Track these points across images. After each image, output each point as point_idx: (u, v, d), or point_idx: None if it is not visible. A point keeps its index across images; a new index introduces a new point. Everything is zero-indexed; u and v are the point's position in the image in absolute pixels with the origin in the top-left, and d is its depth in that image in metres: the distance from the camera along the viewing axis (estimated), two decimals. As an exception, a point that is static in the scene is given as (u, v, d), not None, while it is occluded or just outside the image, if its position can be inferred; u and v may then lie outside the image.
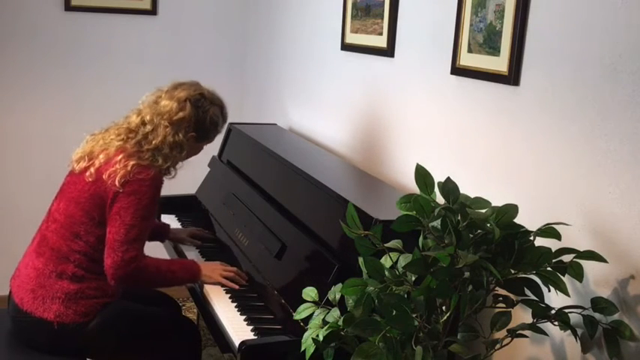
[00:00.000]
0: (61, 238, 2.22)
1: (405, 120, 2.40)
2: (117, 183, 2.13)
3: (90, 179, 2.20)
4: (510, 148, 1.89)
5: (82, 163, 2.24)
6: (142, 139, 2.24)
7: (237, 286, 2.32)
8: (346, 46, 2.78)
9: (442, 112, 2.20)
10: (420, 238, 1.61)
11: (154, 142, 2.23)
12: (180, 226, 2.90)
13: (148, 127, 2.25)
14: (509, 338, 1.61)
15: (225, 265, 2.39)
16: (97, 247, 2.21)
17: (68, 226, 2.22)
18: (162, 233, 2.69)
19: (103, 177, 2.16)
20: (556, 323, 1.58)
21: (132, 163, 2.16)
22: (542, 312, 1.58)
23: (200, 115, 2.31)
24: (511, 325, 1.64)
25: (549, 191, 1.75)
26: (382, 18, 2.49)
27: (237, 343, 1.93)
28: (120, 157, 2.18)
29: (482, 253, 1.52)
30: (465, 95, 2.08)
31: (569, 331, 1.58)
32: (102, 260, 2.20)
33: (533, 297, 1.59)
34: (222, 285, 2.32)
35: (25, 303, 2.21)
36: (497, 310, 1.67)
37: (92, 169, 2.20)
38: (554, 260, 1.53)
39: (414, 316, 1.52)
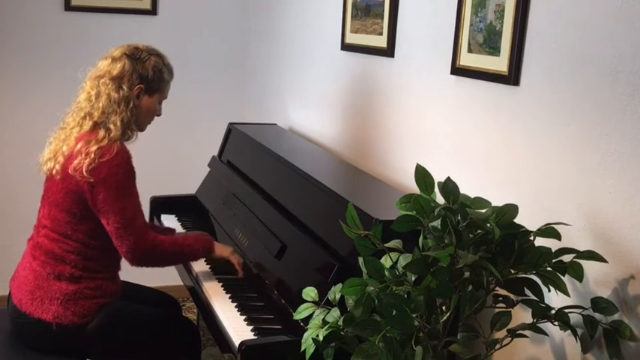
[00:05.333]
0: (53, 241, 2.22)
1: (405, 120, 2.40)
2: (85, 173, 2.11)
3: (58, 177, 2.19)
4: (510, 148, 1.89)
5: (50, 164, 2.22)
6: (91, 110, 2.20)
7: (241, 273, 2.38)
8: (346, 46, 2.78)
9: (442, 112, 2.20)
10: (420, 238, 1.61)
11: (101, 106, 2.19)
12: (180, 226, 2.90)
13: (93, 93, 2.22)
14: (509, 338, 1.61)
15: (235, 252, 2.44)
16: (89, 244, 2.21)
17: (55, 228, 2.22)
18: None
19: (69, 172, 2.14)
20: (556, 323, 1.58)
21: (93, 148, 2.13)
22: (542, 312, 1.58)
23: (140, 65, 2.25)
24: (511, 325, 1.64)
25: (549, 191, 1.75)
26: (382, 18, 2.49)
27: (237, 343, 1.93)
28: (79, 145, 2.15)
29: (482, 253, 1.52)
30: (465, 95, 2.08)
31: (569, 331, 1.58)
32: (97, 257, 2.22)
33: (533, 297, 1.59)
34: (231, 262, 2.39)
35: (23, 304, 2.22)
36: (497, 310, 1.67)
37: (58, 167, 2.18)
38: (554, 260, 1.53)
39: (414, 316, 1.52)
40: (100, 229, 2.19)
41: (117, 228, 2.16)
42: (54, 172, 2.19)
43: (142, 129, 2.35)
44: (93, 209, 2.17)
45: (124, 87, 2.22)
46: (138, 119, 2.28)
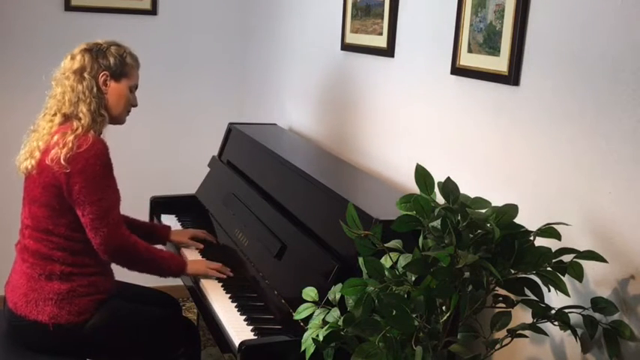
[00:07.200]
0: (37, 240, 2.23)
1: (405, 120, 2.40)
2: (63, 162, 2.11)
3: (35, 172, 2.20)
4: (510, 148, 1.89)
5: (26, 163, 2.24)
6: (60, 106, 2.23)
7: (224, 276, 2.37)
8: (346, 46, 2.78)
9: (442, 112, 2.20)
10: (420, 238, 1.61)
11: (67, 99, 2.22)
12: (180, 227, 2.90)
13: (58, 92, 2.25)
14: (509, 338, 1.61)
15: (209, 262, 2.44)
16: (73, 237, 2.21)
17: (37, 226, 2.23)
18: (163, 235, 2.69)
19: (47, 163, 2.15)
20: (556, 323, 1.58)
21: (69, 138, 2.14)
22: (542, 312, 1.58)
23: (100, 55, 2.27)
24: (511, 325, 1.64)
25: (549, 191, 1.75)
26: (382, 18, 2.49)
27: (237, 343, 1.93)
28: (56, 137, 2.17)
29: (482, 253, 1.52)
30: (465, 95, 2.08)
31: (569, 331, 1.58)
32: (84, 251, 2.22)
33: (533, 297, 1.59)
34: (210, 276, 2.37)
35: (18, 307, 2.22)
36: (497, 310, 1.67)
37: (33, 162, 2.20)
38: (554, 260, 1.53)
39: (414, 316, 1.52)
40: (80, 221, 2.19)
41: (92, 219, 2.15)
42: (30, 168, 2.21)
43: (120, 121, 2.35)
44: (68, 200, 2.17)
45: (86, 76, 2.24)
46: (109, 108, 2.28)
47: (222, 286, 2.34)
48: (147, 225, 2.69)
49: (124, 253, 2.23)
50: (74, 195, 2.14)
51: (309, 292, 1.74)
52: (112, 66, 2.27)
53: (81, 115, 2.20)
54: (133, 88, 2.35)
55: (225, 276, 2.37)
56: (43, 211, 2.21)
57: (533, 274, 1.55)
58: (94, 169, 2.14)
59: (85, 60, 2.25)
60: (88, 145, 2.14)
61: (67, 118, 2.22)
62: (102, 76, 2.26)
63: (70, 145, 2.13)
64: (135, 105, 2.37)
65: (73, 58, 2.28)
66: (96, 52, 2.27)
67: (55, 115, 2.24)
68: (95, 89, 2.24)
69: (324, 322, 1.62)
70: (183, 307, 3.67)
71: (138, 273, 2.34)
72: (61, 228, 2.21)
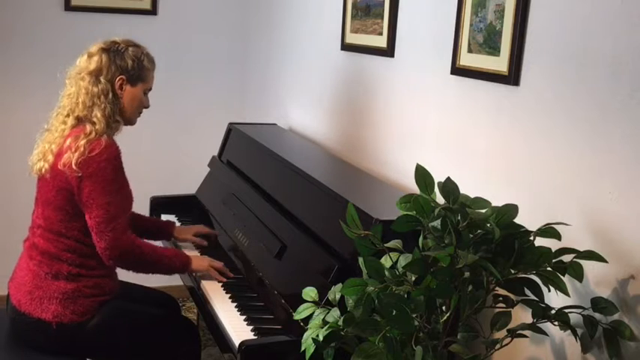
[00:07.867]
0: (48, 240, 2.22)
1: (405, 120, 2.40)
2: (74, 167, 2.11)
3: (48, 176, 2.19)
4: (510, 148, 1.89)
5: (40, 164, 2.22)
6: (74, 107, 2.21)
7: (224, 279, 2.37)
8: (346, 46, 2.78)
9: (442, 112, 2.20)
10: (420, 238, 1.61)
11: (81, 102, 2.20)
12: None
13: (73, 91, 2.23)
14: (509, 338, 1.61)
15: (212, 260, 2.43)
16: (84, 241, 2.21)
17: (49, 227, 2.22)
18: (167, 232, 2.68)
19: (59, 167, 2.14)
20: (556, 323, 1.58)
21: (82, 142, 2.13)
22: (542, 312, 1.58)
23: (118, 57, 2.24)
24: (511, 325, 1.64)
25: (549, 191, 1.75)
26: (382, 18, 2.49)
27: (237, 343, 1.93)
28: (68, 141, 2.16)
29: (483, 253, 1.52)
30: (465, 95, 2.08)
31: (569, 331, 1.58)
32: (93, 254, 2.21)
33: (533, 297, 1.59)
34: (211, 275, 2.37)
35: (22, 304, 2.22)
36: (497, 310, 1.67)
37: (47, 166, 2.19)
38: (554, 260, 1.53)
39: (414, 316, 1.52)
40: None
41: (98, 222, 2.15)
42: (43, 170, 2.20)
43: (131, 122, 2.34)
44: (79, 203, 2.16)
45: (102, 80, 2.21)
46: (123, 111, 2.27)
47: (222, 286, 2.34)
48: (151, 221, 2.70)
49: (130, 257, 2.23)
50: (84, 198, 2.14)
51: (309, 292, 1.74)
52: (130, 69, 2.24)
53: (95, 119, 2.18)
54: (147, 91, 2.33)
55: (225, 279, 2.38)
56: (56, 214, 2.21)
57: (533, 274, 1.55)
58: (104, 172, 2.13)
59: (103, 61, 2.22)
60: (100, 149, 2.13)
61: (80, 121, 2.20)
62: (118, 80, 2.23)
63: (82, 149, 2.12)
64: (147, 107, 2.36)
65: (90, 57, 2.25)
66: (114, 52, 2.24)
67: (68, 116, 2.22)
68: (111, 94, 2.22)
69: (324, 322, 1.62)
70: (183, 307, 3.67)
71: (137, 273, 2.34)
72: (74, 231, 2.21)
